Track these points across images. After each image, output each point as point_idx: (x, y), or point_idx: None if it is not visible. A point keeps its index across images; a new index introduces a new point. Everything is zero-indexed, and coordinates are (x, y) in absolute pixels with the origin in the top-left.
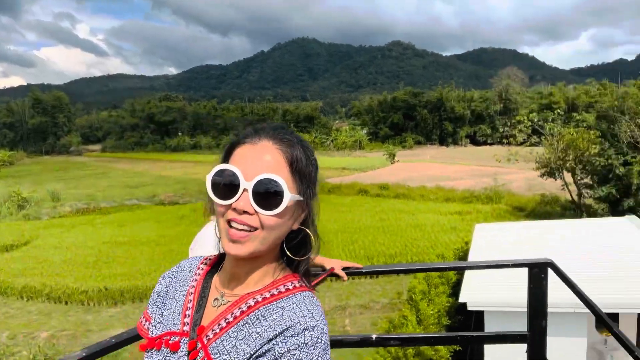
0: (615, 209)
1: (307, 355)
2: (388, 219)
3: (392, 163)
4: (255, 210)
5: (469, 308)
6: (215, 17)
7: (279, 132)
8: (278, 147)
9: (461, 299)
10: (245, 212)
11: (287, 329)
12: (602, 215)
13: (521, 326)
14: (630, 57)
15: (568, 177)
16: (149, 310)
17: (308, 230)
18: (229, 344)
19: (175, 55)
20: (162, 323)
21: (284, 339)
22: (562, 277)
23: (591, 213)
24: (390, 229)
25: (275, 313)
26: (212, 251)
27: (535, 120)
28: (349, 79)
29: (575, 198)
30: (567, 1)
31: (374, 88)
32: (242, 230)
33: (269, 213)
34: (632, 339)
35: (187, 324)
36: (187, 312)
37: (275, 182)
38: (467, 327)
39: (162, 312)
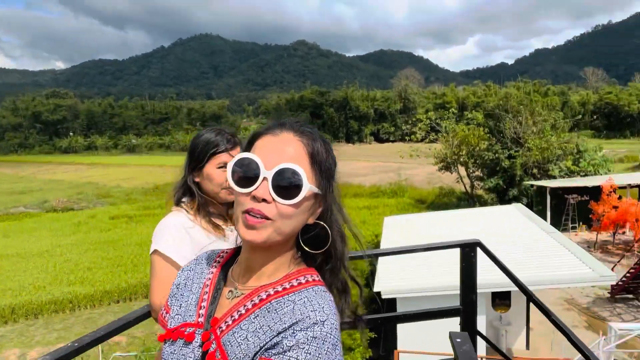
0: (502, 198)
1: (315, 349)
2: None
3: None
4: (273, 199)
5: (383, 296)
6: (108, 8)
7: (301, 125)
8: (299, 139)
9: (375, 289)
10: (263, 200)
11: (296, 322)
12: (491, 204)
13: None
14: (510, 61)
15: (462, 170)
16: (169, 302)
17: (324, 224)
18: (240, 336)
19: (63, 48)
20: (180, 315)
21: (293, 333)
22: (489, 255)
23: (482, 202)
24: None
25: (287, 307)
26: (170, 240)
27: (433, 118)
28: (255, 77)
29: (469, 189)
30: (456, 8)
31: (281, 86)
32: (259, 218)
33: (287, 202)
34: (524, 311)
35: (202, 315)
36: (202, 304)
37: (295, 172)
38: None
39: (180, 304)
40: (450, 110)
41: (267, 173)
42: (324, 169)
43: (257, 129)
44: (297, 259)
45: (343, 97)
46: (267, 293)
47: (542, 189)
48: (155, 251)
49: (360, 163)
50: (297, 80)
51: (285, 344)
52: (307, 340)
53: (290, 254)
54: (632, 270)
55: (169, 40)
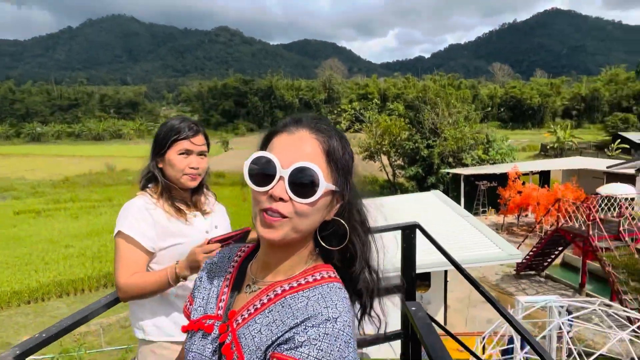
0: (422, 185)
1: (327, 346)
2: None
3: (225, 151)
4: (290, 198)
5: None
6: None
7: (317, 122)
8: (315, 137)
9: None
10: (280, 199)
11: (308, 318)
12: (412, 191)
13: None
14: (427, 55)
15: (385, 159)
16: (192, 294)
17: (342, 221)
18: (254, 329)
19: None
20: (202, 307)
21: (305, 329)
22: (427, 236)
23: (403, 190)
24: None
25: (301, 302)
26: (133, 221)
27: (357, 109)
28: (174, 62)
29: (391, 178)
30: (377, 1)
31: (202, 73)
32: (276, 216)
33: (304, 201)
34: (442, 291)
35: (222, 308)
36: (222, 297)
37: (312, 170)
38: None
39: (203, 297)
40: (374, 101)
41: (283, 172)
42: (340, 166)
43: (274, 127)
44: (315, 255)
45: (268, 86)
46: (282, 288)
47: (456, 177)
48: (119, 232)
49: (244, 152)
50: (219, 68)
51: (297, 339)
52: (319, 336)
53: (308, 250)
54: (534, 249)
55: (76, 21)
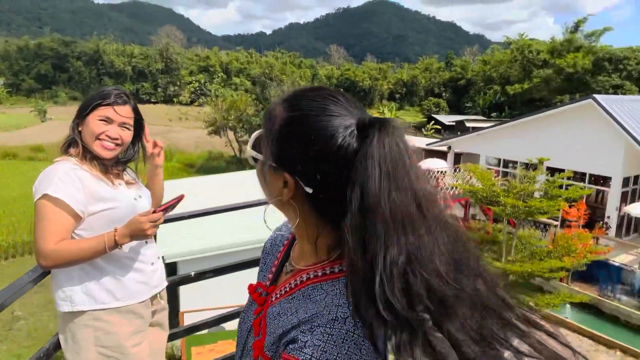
0: None
1: (332, 348)
2: None
3: (43, 121)
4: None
5: (166, 261)
6: None
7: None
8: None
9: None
10: None
11: (317, 315)
12: None
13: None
14: (268, 31)
15: (231, 135)
16: (261, 260)
17: (295, 205)
18: (276, 312)
19: None
20: (262, 272)
21: (311, 327)
22: None
23: (250, 166)
24: None
25: (319, 295)
26: (61, 184)
27: (203, 81)
28: None
29: (237, 153)
30: None
31: (9, 30)
32: None
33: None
34: None
35: (269, 280)
36: (272, 270)
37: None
38: None
39: (265, 262)
40: (220, 75)
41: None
42: (274, 135)
43: None
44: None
45: (94, 49)
46: (307, 276)
47: None
48: (45, 195)
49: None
50: (31, 25)
51: (302, 339)
52: (323, 337)
53: (334, 238)
54: None
55: None
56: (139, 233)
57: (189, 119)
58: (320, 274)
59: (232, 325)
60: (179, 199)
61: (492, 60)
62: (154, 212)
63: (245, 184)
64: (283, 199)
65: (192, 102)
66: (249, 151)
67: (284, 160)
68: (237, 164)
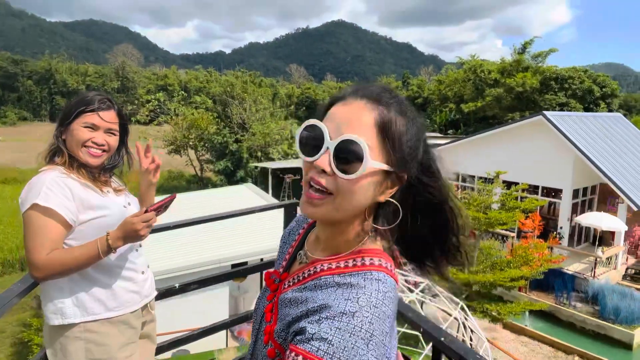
0: (231, 179)
1: (339, 341)
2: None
3: None
4: (333, 172)
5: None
6: None
7: (378, 93)
8: (371, 108)
9: None
10: (324, 171)
11: (326, 307)
12: (221, 185)
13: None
14: (228, 51)
15: (192, 153)
16: (280, 246)
17: (395, 202)
18: (288, 299)
19: None
20: (278, 261)
21: (319, 319)
22: None
23: (212, 184)
24: (3, 219)
25: (330, 287)
26: (50, 193)
27: (162, 100)
28: None
29: (198, 172)
30: None
31: None
32: (319, 191)
33: (346, 177)
34: (258, 279)
35: (282, 267)
36: (287, 257)
37: (357, 144)
38: None
39: (281, 252)
40: (180, 93)
41: (330, 143)
42: (397, 143)
43: (334, 94)
44: (368, 237)
45: (45, 68)
46: (322, 267)
47: (264, 170)
48: (34, 205)
49: None
50: None
51: (309, 330)
52: (331, 330)
53: (360, 230)
54: None
55: None
56: (132, 234)
57: (147, 138)
58: (334, 266)
59: (197, 348)
60: (172, 198)
61: (446, 79)
62: (146, 211)
63: (213, 201)
64: (381, 199)
65: (150, 121)
66: (370, 163)
67: (403, 162)
68: (199, 182)
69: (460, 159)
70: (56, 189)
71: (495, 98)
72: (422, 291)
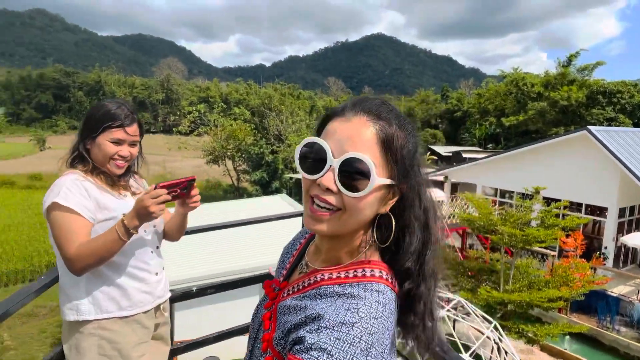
0: (266, 189)
1: (339, 352)
2: None
3: (42, 150)
4: (339, 190)
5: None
6: None
7: (377, 107)
8: (372, 125)
9: None
10: (328, 189)
11: (324, 317)
12: (256, 196)
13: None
14: (268, 64)
15: (229, 164)
16: (280, 258)
17: (391, 215)
18: (287, 307)
19: None
20: (279, 270)
21: (318, 329)
22: None
23: (248, 194)
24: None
25: (331, 297)
26: (69, 193)
27: (203, 111)
28: None
29: (235, 182)
30: (218, 4)
31: (12, 61)
32: (324, 208)
33: (353, 195)
34: None
35: (283, 276)
36: (287, 266)
37: (363, 163)
38: None
39: (282, 260)
40: (220, 105)
41: (334, 162)
42: (399, 157)
43: (331, 109)
44: (369, 248)
45: (95, 80)
46: (322, 277)
47: (299, 181)
48: (55, 205)
49: None
50: (34, 56)
51: (308, 340)
52: (330, 340)
53: (360, 241)
54: None
55: None
56: (143, 212)
57: (187, 148)
58: (334, 276)
59: (228, 354)
60: (189, 179)
61: (487, 92)
62: (155, 188)
63: (248, 210)
64: (382, 211)
65: (191, 132)
66: (377, 180)
67: (405, 174)
68: (235, 192)
69: (499, 173)
70: (75, 190)
71: (538, 112)
72: (454, 309)
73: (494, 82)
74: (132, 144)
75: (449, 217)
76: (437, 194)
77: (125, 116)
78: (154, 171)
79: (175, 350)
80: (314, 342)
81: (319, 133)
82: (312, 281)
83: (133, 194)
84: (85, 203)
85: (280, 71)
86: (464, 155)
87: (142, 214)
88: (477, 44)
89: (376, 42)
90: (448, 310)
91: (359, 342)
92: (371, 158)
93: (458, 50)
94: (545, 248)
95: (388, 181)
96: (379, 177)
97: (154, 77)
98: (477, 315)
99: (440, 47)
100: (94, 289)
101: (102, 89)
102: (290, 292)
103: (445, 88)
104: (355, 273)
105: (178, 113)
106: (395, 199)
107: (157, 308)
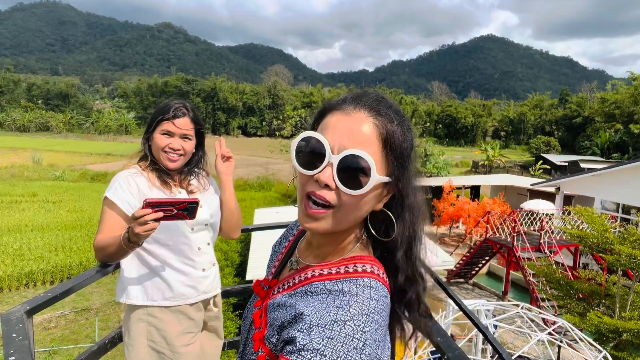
0: None
1: (332, 352)
2: None
3: None
4: (337, 187)
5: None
6: None
7: (378, 103)
8: (373, 121)
9: (248, 277)
10: (326, 185)
11: (315, 314)
12: None
13: None
14: (370, 69)
15: None
16: (269, 258)
17: (389, 213)
18: (277, 304)
19: None
20: (267, 269)
21: (309, 327)
22: None
23: None
24: None
25: (322, 294)
26: (118, 188)
27: (304, 116)
28: (112, 56)
29: None
30: (323, 12)
31: (142, 69)
32: (321, 205)
33: (352, 192)
34: None
35: (272, 274)
36: (276, 264)
37: (364, 160)
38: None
39: (272, 260)
40: None
41: (333, 158)
42: (397, 154)
43: (330, 101)
44: (360, 244)
45: (211, 87)
46: (313, 273)
47: None
48: (105, 198)
49: None
50: (161, 65)
51: (299, 340)
52: (322, 340)
53: (352, 237)
54: (464, 258)
55: (5, 4)
56: (130, 232)
57: (288, 151)
58: (325, 272)
59: None
60: (191, 200)
61: (613, 96)
62: (144, 202)
63: None
64: (377, 208)
65: (292, 136)
66: (376, 178)
67: (402, 171)
68: None
69: (624, 187)
70: (125, 186)
71: None
72: (558, 332)
73: (622, 85)
74: (184, 137)
75: (559, 233)
76: (546, 206)
77: (175, 109)
78: (257, 172)
79: (231, 344)
80: (306, 343)
81: (314, 126)
82: (302, 278)
83: (191, 192)
84: (130, 200)
85: (383, 76)
86: (583, 165)
87: (131, 233)
88: (603, 43)
89: (486, 44)
90: (550, 334)
91: (352, 340)
92: (371, 155)
93: (580, 50)
94: None
95: (387, 179)
96: (378, 175)
97: (262, 83)
98: (585, 343)
99: (559, 48)
100: (143, 276)
101: (216, 95)
102: (281, 290)
103: (565, 91)
104: (346, 269)
105: (281, 117)
106: (389, 195)
107: (207, 302)
